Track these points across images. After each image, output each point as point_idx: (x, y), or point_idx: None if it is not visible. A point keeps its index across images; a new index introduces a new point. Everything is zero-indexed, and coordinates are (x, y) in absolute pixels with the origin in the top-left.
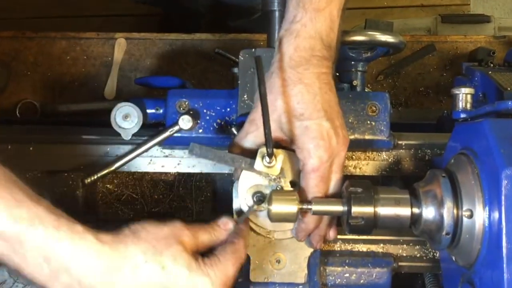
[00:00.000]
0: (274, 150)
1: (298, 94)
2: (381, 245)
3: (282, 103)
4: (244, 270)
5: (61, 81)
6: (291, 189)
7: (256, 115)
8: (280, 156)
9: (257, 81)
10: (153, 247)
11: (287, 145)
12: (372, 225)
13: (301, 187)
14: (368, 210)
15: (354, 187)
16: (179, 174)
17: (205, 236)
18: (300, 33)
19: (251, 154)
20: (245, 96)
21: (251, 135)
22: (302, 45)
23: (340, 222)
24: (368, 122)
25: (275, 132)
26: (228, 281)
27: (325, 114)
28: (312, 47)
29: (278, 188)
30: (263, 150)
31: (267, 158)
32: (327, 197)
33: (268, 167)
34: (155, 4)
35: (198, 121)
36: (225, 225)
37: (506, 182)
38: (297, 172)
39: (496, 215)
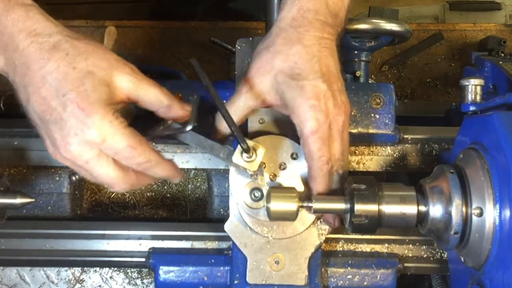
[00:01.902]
0: (255, 143)
1: (296, 54)
2: (386, 245)
3: (279, 62)
4: (241, 271)
5: None
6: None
7: (250, 74)
8: (260, 150)
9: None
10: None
11: (280, 110)
12: (376, 223)
13: (305, 156)
14: (372, 208)
15: (357, 183)
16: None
17: (150, 91)
18: None
19: (243, 119)
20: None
21: (244, 97)
22: (306, 6)
23: (342, 220)
24: (372, 115)
25: (269, 95)
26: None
27: (322, 76)
28: (317, 9)
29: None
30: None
31: (246, 153)
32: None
33: (247, 161)
34: None
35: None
36: (184, 107)
37: None
38: (283, 161)
39: (507, 213)
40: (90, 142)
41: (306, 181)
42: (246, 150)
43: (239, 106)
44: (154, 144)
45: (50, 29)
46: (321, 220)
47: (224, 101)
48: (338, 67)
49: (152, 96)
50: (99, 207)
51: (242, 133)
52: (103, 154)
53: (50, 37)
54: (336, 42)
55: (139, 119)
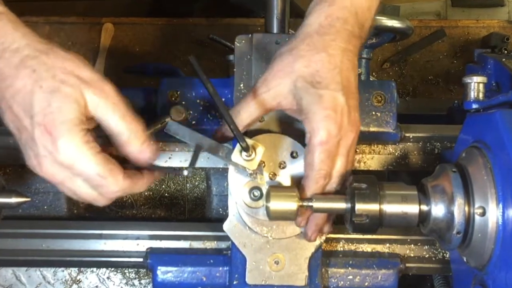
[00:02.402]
0: (254, 142)
1: (319, 62)
2: (387, 245)
3: (300, 67)
4: (240, 271)
5: None
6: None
7: (269, 75)
8: (260, 149)
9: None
10: (53, 74)
11: (294, 115)
12: (377, 223)
13: (305, 163)
14: (373, 207)
15: (358, 182)
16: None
17: (112, 119)
18: (335, 1)
19: (258, 119)
20: (241, 85)
21: (260, 97)
22: (335, 15)
23: (343, 220)
24: (373, 113)
25: (286, 99)
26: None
27: (342, 89)
28: (345, 19)
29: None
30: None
31: (245, 152)
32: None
33: (247, 160)
34: None
35: (191, 112)
36: (145, 143)
37: None
38: (282, 160)
39: (510, 212)
40: (57, 167)
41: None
42: (246, 148)
43: (253, 106)
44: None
45: (18, 42)
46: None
47: (223, 99)
48: (356, 83)
49: (114, 126)
50: (96, 207)
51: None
52: (76, 176)
53: (16, 52)
54: (357, 54)
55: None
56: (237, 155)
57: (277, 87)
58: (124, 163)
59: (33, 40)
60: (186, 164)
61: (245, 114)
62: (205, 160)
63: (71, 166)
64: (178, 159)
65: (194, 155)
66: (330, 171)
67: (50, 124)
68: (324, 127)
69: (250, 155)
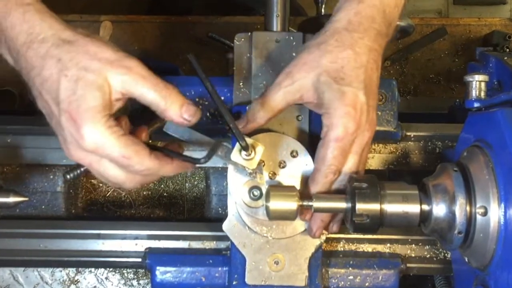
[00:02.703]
0: (254, 141)
1: (345, 59)
2: (388, 245)
3: (326, 62)
4: (240, 272)
5: None
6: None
7: (294, 68)
8: (260, 148)
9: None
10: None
11: (314, 109)
12: (378, 223)
13: (316, 156)
14: (373, 207)
15: (358, 182)
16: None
17: (146, 92)
18: None
19: (279, 114)
20: (241, 83)
21: (283, 91)
22: (364, 12)
23: (343, 220)
24: None
25: (308, 92)
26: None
27: (364, 87)
28: (373, 17)
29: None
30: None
31: (244, 151)
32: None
33: (246, 159)
34: None
35: None
36: (189, 111)
37: None
38: (282, 159)
39: None
40: (84, 151)
41: (306, 180)
42: (245, 147)
43: (277, 99)
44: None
45: (44, 32)
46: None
47: (223, 98)
48: (378, 83)
49: (148, 97)
50: (94, 206)
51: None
52: (103, 159)
53: (43, 43)
54: (382, 54)
55: (137, 113)
56: (236, 154)
57: (301, 80)
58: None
59: (59, 29)
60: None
61: (269, 107)
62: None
63: (96, 151)
64: None
65: (211, 150)
66: (341, 168)
67: (74, 112)
68: (342, 124)
69: (249, 154)
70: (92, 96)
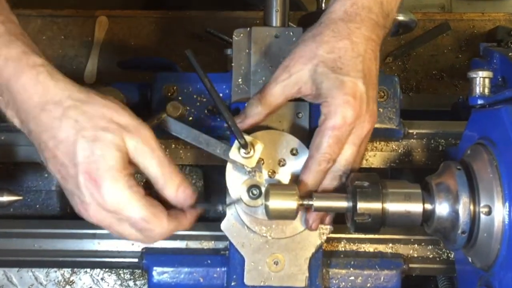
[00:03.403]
0: (253, 138)
1: (342, 49)
2: (390, 245)
3: (322, 52)
4: (238, 272)
5: None
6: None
7: (291, 62)
8: (259, 146)
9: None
10: (94, 129)
11: (313, 100)
12: (380, 222)
13: (311, 143)
14: (375, 206)
15: (360, 180)
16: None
17: (150, 165)
18: None
19: (278, 109)
20: (240, 80)
21: (281, 85)
22: (360, 3)
23: (344, 219)
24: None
25: (306, 84)
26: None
27: (363, 77)
28: (370, 8)
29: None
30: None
31: (243, 149)
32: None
33: (245, 158)
34: None
35: (188, 108)
36: (185, 194)
37: None
38: (282, 157)
39: None
40: (107, 211)
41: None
42: (244, 145)
43: (275, 94)
44: None
45: (59, 94)
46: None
47: (221, 95)
48: (377, 74)
49: (150, 171)
50: None
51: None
52: (123, 221)
53: (59, 104)
54: (380, 45)
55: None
56: (235, 152)
57: (299, 73)
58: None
59: (73, 90)
60: (183, 161)
61: (266, 103)
62: (202, 158)
63: (117, 211)
64: (174, 156)
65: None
66: (335, 157)
67: (94, 172)
68: (341, 112)
69: (248, 152)
70: (111, 155)
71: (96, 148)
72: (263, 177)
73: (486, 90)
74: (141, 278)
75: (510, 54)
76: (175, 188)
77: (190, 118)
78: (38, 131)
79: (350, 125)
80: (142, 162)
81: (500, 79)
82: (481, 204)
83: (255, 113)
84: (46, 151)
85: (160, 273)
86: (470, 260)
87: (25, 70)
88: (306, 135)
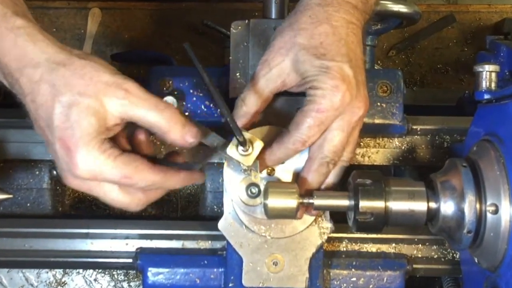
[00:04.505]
0: (252, 136)
1: (323, 34)
2: (393, 244)
3: (302, 40)
4: (236, 273)
5: None
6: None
7: (270, 55)
8: (258, 143)
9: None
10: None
11: (299, 90)
12: (382, 221)
13: (291, 122)
14: (378, 204)
15: (362, 178)
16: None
17: (147, 115)
18: None
19: (264, 105)
20: (238, 74)
21: (263, 80)
22: None
23: (346, 218)
24: (378, 104)
25: (289, 76)
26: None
27: (349, 61)
28: None
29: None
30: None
31: (241, 146)
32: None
33: (243, 155)
34: None
35: (184, 103)
36: (187, 132)
37: None
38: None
39: None
40: (82, 179)
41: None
42: (242, 143)
43: (259, 90)
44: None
45: (37, 57)
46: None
47: (219, 89)
48: (363, 57)
49: (149, 119)
50: (82, 204)
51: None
52: (103, 183)
53: (36, 68)
54: (362, 30)
55: None
56: (233, 149)
57: (279, 65)
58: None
59: (53, 52)
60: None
61: (250, 101)
62: (199, 155)
63: (93, 178)
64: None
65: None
66: (312, 140)
67: (68, 139)
68: (328, 96)
69: (247, 150)
70: (87, 122)
71: (72, 114)
72: (258, 177)
73: (493, 85)
74: (135, 279)
75: None
76: (180, 128)
77: (187, 113)
78: (22, 94)
79: (336, 110)
80: (136, 114)
81: (507, 73)
82: (488, 203)
83: (242, 114)
84: (30, 113)
85: (155, 274)
86: (476, 261)
87: (5, 33)
88: None
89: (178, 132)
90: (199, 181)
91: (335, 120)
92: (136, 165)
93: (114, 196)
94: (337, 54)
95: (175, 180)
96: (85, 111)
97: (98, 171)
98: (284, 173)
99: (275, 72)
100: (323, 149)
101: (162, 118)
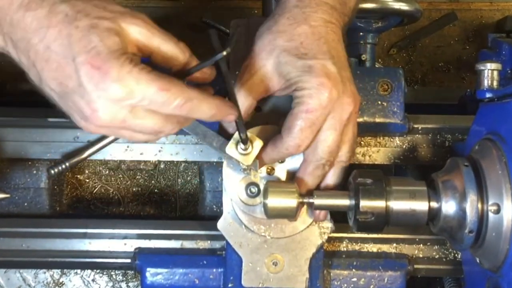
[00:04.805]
0: (252, 135)
1: (302, 34)
2: (394, 244)
3: (282, 42)
4: (236, 273)
5: None
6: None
7: (250, 60)
8: (257, 143)
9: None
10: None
11: (285, 93)
12: (383, 221)
13: (282, 126)
14: (379, 204)
15: (362, 177)
16: (160, 162)
17: (165, 45)
18: None
19: (249, 110)
20: (237, 73)
21: (245, 86)
22: None
23: (346, 218)
24: (379, 102)
25: (272, 80)
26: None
27: (331, 58)
28: None
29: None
30: (238, 135)
31: (241, 145)
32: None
33: (242, 154)
34: None
35: None
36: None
37: None
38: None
39: None
40: (117, 100)
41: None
42: (244, 140)
43: (241, 98)
44: None
45: None
46: None
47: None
48: (345, 54)
49: (167, 50)
50: (80, 204)
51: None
52: (137, 107)
53: (43, 1)
54: (342, 30)
55: None
56: (232, 148)
57: (261, 70)
58: None
59: None
60: (178, 157)
61: (240, 102)
62: (198, 154)
63: (129, 95)
64: (168, 152)
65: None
66: (307, 143)
67: (95, 59)
68: (316, 95)
69: (246, 149)
70: (111, 41)
71: (94, 36)
72: (258, 176)
73: (495, 83)
74: (134, 280)
75: None
76: (196, 60)
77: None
78: (25, 40)
79: (325, 108)
80: (154, 44)
81: (509, 71)
82: (490, 202)
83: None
84: (38, 61)
85: (154, 274)
86: (478, 261)
87: None
88: None
89: (195, 63)
90: (230, 117)
91: (326, 119)
92: (170, 79)
93: (149, 120)
94: (318, 53)
95: (209, 104)
96: (107, 32)
97: (133, 84)
98: (284, 172)
99: (257, 77)
100: (317, 150)
101: (178, 48)
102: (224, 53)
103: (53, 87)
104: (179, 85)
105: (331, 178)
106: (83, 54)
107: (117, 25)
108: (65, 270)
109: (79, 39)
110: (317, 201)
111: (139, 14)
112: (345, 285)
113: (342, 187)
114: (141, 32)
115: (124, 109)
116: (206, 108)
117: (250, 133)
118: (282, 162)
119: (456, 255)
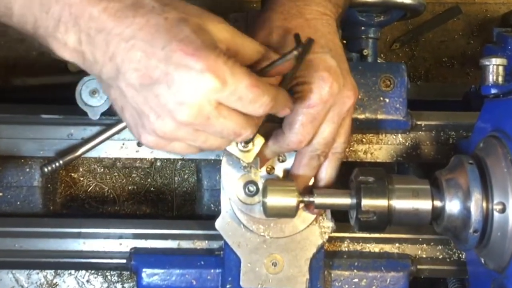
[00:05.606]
0: None
1: (298, 28)
2: (397, 244)
3: (277, 37)
4: (234, 274)
5: (16, 50)
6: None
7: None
8: (259, 140)
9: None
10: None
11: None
12: (385, 221)
13: (284, 123)
14: (381, 203)
15: (364, 176)
16: (156, 160)
17: (247, 42)
18: None
19: None
20: None
21: None
22: None
23: (348, 217)
24: (381, 98)
25: None
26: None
27: (329, 51)
28: None
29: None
30: None
31: (242, 141)
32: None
33: (243, 151)
34: None
35: None
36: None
37: None
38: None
39: None
40: (208, 91)
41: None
42: None
43: None
44: None
45: None
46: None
47: None
48: (341, 46)
49: (250, 47)
50: (74, 202)
51: None
52: (222, 104)
53: None
54: (336, 22)
55: None
56: (232, 145)
57: None
58: None
59: None
60: (175, 155)
61: None
62: None
63: (223, 86)
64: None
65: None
66: (308, 138)
67: (189, 47)
68: (317, 90)
69: (247, 146)
70: (204, 35)
71: (184, 28)
72: (258, 174)
73: (500, 79)
74: (129, 281)
75: None
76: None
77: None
78: (104, 32)
79: (326, 102)
80: (242, 44)
81: None
82: (495, 201)
83: None
84: (119, 52)
85: (150, 275)
86: (482, 261)
87: None
88: None
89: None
90: (287, 110)
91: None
92: (256, 77)
93: (232, 119)
94: (316, 46)
95: (284, 97)
96: (197, 26)
97: (228, 75)
98: (284, 171)
99: None
100: (313, 141)
101: (260, 46)
102: (295, 52)
103: (133, 81)
104: (265, 83)
105: (327, 170)
106: (175, 42)
107: (205, 24)
108: (58, 270)
109: (169, 28)
110: (318, 200)
111: (217, 16)
112: (347, 286)
113: (343, 185)
114: (228, 31)
115: (211, 104)
116: (281, 101)
117: None
118: (283, 161)
119: (460, 255)
